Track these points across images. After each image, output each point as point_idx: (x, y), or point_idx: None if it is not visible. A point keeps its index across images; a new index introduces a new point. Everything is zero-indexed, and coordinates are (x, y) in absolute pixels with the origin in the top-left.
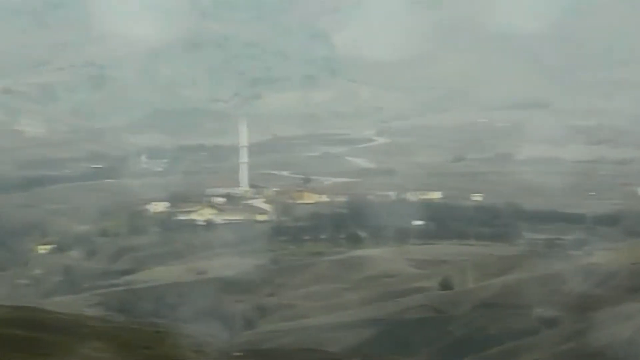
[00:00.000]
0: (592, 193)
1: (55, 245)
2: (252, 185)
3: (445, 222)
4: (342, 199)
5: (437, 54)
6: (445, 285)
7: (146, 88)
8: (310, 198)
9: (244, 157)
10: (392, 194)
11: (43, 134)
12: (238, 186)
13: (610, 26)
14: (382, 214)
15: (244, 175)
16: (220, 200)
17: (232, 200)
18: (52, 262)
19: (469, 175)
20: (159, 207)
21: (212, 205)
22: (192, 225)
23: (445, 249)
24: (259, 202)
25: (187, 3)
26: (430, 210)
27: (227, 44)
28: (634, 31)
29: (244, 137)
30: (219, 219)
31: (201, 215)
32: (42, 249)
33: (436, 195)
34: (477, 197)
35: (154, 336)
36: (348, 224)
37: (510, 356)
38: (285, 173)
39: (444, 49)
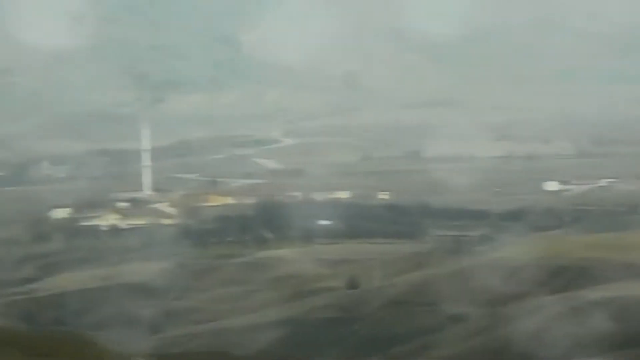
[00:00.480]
0: (498, 189)
1: None
2: (156, 189)
3: (352, 221)
4: (249, 200)
5: (345, 55)
6: (352, 285)
7: (49, 93)
8: (216, 200)
9: (146, 161)
10: (299, 195)
11: None
12: (142, 190)
13: (519, 25)
14: (289, 215)
15: (147, 179)
16: (125, 205)
17: (137, 204)
18: None
19: (377, 174)
20: (61, 213)
21: (116, 210)
22: (96, 230)
23: (352, 248)
24: (164, 206)
25: (89, 8)
26: (338, 210)
27: (131, 47)
28: (542, 30)
29: (146, 141)
30: (123, 223)
31: (105, 220)
32: None
33: (344, 194)
34: (384, 196)
35: (55, 343)
36: (255, 225)
37: (417, 353)
38: (191, 176)
39: (352, 50)
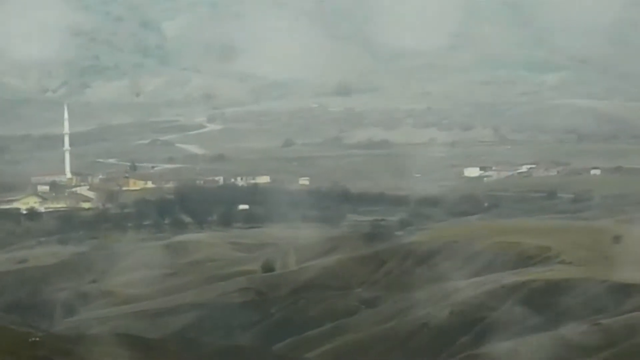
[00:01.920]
0: (418, 175)
1: None
2: (76, 173)
3: (271, 206)
4: (169, 185)
5: (268, 42)
6: (267, 268)
7: None
8: (136, 185)
9: (66, 145)
10: (220, 179)
11: None
12: (63, 174)
13: (438, 12)
14: (208, 199)
15: (67, 163)
16: (45, 188)
17: (57, 188)
18: None
19: (298, 159)
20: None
21: (36, 194)
22: (15, 214)
23: (270, 233)
24: (84, 190)
25: None
26: (257, 195)
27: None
28: (459, 19)
29: (66, 125)
30: (42, 207)
31: (25, 204)
32: None
33: (264, 179)
34: (304, 181)
35: None
36: (173, 209)
37: (329, 337)
38: (112, 160)
39: (275, 36)
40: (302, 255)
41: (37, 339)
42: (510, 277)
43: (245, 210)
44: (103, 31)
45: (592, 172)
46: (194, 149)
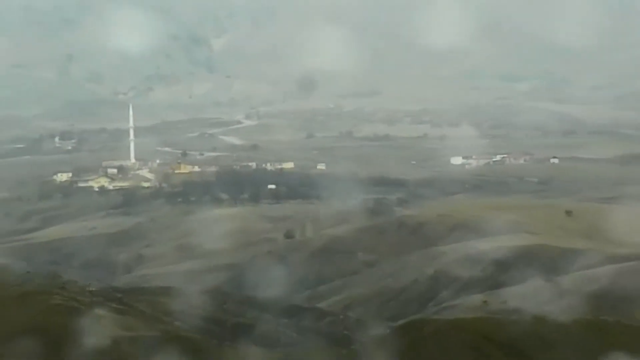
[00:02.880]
0: (414, 162)
1: None
2: (139, 159)
3: (294, 186)
4: (212, 169)
5: (294, 52)
6: (289, 236)
7: (61, 84)
8: (185, 169)
9: (131, 136)
10: (253, 165)
11: None
12: (129, 160)
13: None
14: (243, 181)
15: (132, 150)
16: (113, 171)
17: (123, 170)
18: None
19: (317, 149)
20: (63, 177)
21: (106, 175)
22: (89, 191)
23: (292, 207)
24: (145, 172)
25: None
26: (283, 177)
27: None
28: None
29: (131, 120)
30: (110, 185)
31: (97, 183)
32: None
33: (289, 165)
34: (321, 167)
35: (24, 276)
36: (214, 189)
37: (338, 291)
38: (167, 149)
39: (300, 48)
40: (317, 226)
41: (94, 288)
42: (484, 244)
43: (273, 189)
44: (162, 45)
45: (552, 160)
46: (233, 140)
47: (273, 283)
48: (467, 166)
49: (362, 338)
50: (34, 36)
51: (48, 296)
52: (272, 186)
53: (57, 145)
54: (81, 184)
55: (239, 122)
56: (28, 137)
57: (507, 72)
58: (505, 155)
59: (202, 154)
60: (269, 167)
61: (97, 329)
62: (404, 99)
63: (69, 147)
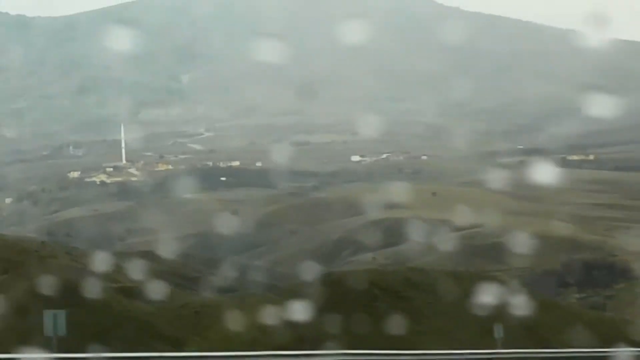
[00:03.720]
0: (325, 160)
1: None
2: (129, 160)
3: (240, 178)
4: (182, 167)
5: (239, 84)
6: (234, 213)
7: (74, 108)
8: (162, 167)
9: (123, 145)
10: (211, 164)
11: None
12: (121, 161)
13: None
14: (204, 175)
15: (123, 155)
16: (110, 169)
17: (117, 169)
18: (12, 208)
19: (257, 152)
20: (75, 174)
21: (105, 173)
22: (93, 184)
23: (237, 193)
24: (133, 170)
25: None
26: (232, 172)
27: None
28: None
29: (122, 133)
30: (108, 180)
31: (99, 178)
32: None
33: (236, 163)
34: (259, 164)
35: (40, 245)
36: (183, 181)
37: (270, 252)
38: (149, 153)
39: (242, 81)
40: (255, 206)
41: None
42: (375, 215)
43: (224, 180)
44: (146, 81)
45: (422, 157)
46: (197, 147)
47: (223, 247)
48: (362, 162)
49: (286, 285)
50: (53, 74)
51: (57, 259)
52: (224, 178)
53: (71, 152)
54: (87, 179)
55: (201, 134)
56: (51, 146)
57: (391, 95)
58: (389, 154)
59: (176, 156)
60: (221, 165)
61: (93, 282)
62: (319, 115)
63: (80, 154)
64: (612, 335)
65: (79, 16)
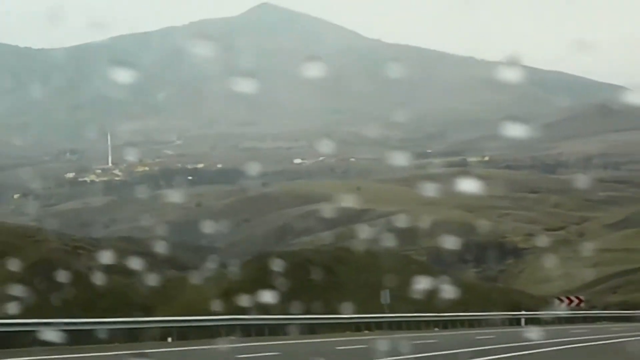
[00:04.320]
0: (272, 162)
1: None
2: (114, 163)
3: (203, 177)
4: (156, 168)
5: (201, 101)
6: (198, 205)
7: (70, 122)
8: (140, 168)
9: (109, 151)
10: (180, 165)
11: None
12: (107, 164)
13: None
14: (174, 175)
15: (109, 158)
16: (99, 171)
17: (105, 170)
18: (19, 202)
19: (217, 156)
20: (70, 175)
21: (94, 173)
22: (85, 183)
23: (201, 190)
24: (116, 171)
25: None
26: (197, 172)
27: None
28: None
29: (109, 141)
30: (97, 179)
31: (89, 178)
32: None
33: (201, 165)
34: (219, 166)
35: (36, 230)
36: (157, 180)
37: (226, 237)
38: (131, 158)
39: (206, 98)
40: (215, 199)
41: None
42: (318, 206)
43: (190, 179)
44: (128, 100)
45: (351, 159)
46: (169, 152)
47: (189, 232)
48: (302, 164)
49: (238, 263)
50: (53, 96)
51: (49, 242)
52: (190, 177)
53: (68, 157)
54: (80, 179)
55: (173, 142)
56: (51, 153)
57: (330, 107)
58: (324, 157)
59: (152, 160)
60: (189, 166)
61: (79, 261)
62: (269, 126)
63: (74, 158)
64: (501, 301)
65: (76, 48)
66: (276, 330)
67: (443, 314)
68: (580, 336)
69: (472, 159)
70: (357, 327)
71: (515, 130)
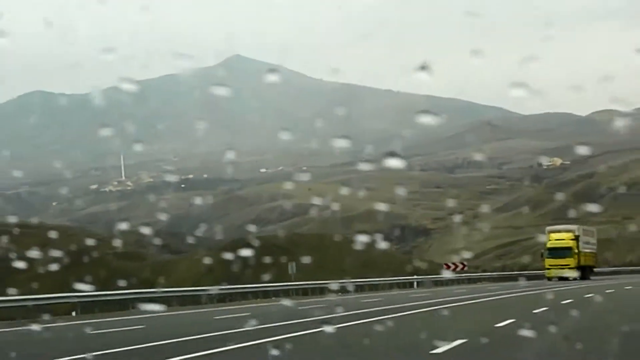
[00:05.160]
0: (243, 170)
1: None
2: (127, 177)
3: (193, 184)
4: (159, 179)
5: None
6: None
7: (90, 147)
8: (146, 180)
9: (122, 168)
10: (175, 176)
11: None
12: (121, 177)
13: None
14: (171, 184)
15: (122, 173)
16: (115, 183)
17: (120, 182)
18: (57, 208)
19: (199, 169)
20: (94, 186)
21: (112, 185)
22: (105, 192)
23: (191, 194)
24: (128, 182)
25: None
26: (188, 182)
27: None
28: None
29: (122, 160)
30: (114, 189)
31: (108, 188)
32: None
33: (190, 175)
34: (205, 175)
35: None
36: (159, 188)
37: (208, 229)
38: (140, 172)
39: (182, 123)
40: (202, 201)
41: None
42: (275, 203)
43: (184, 187)
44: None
45: (303, 168)
46: (167, 167)
47: (183, 225)
48: (267, 172)
49: (218, 247)
50: (78, 129)
51: (80, 236)
52: (183, 185)
53: (93, 173)
54: (101, 189)
55: (170, 159)
56: (80, 170)
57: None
58: (283, 167)
59: (156, 174)
60: (182, 177)
61: (100, 248)
62: (243, 145)
63: (98, 174)
64: (408, 269)
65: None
66: (192, 300)
67: (344, 280)
68: (459, 296)
69: (394, 164)
70: (265, 294)
71: (426, 140)
